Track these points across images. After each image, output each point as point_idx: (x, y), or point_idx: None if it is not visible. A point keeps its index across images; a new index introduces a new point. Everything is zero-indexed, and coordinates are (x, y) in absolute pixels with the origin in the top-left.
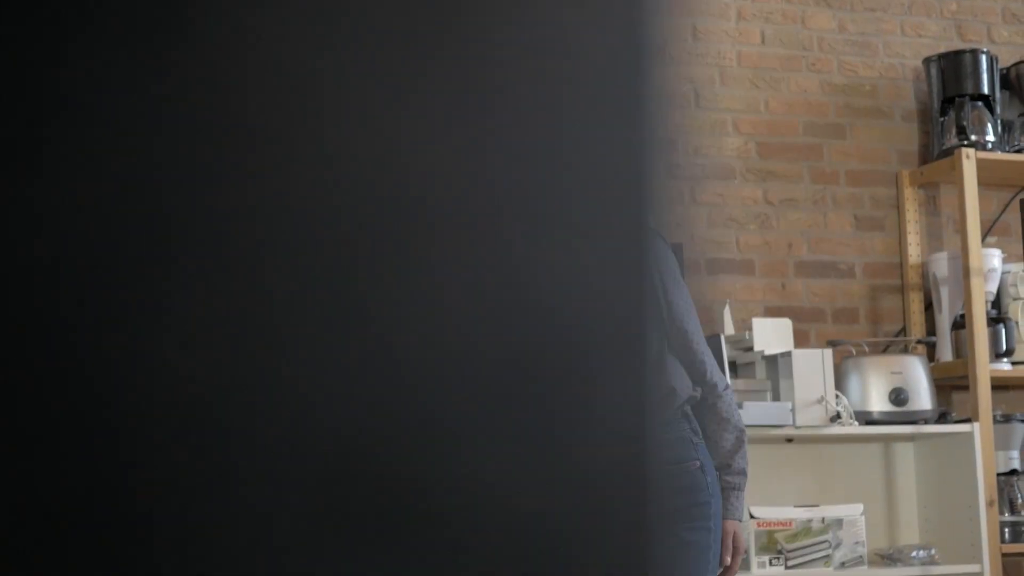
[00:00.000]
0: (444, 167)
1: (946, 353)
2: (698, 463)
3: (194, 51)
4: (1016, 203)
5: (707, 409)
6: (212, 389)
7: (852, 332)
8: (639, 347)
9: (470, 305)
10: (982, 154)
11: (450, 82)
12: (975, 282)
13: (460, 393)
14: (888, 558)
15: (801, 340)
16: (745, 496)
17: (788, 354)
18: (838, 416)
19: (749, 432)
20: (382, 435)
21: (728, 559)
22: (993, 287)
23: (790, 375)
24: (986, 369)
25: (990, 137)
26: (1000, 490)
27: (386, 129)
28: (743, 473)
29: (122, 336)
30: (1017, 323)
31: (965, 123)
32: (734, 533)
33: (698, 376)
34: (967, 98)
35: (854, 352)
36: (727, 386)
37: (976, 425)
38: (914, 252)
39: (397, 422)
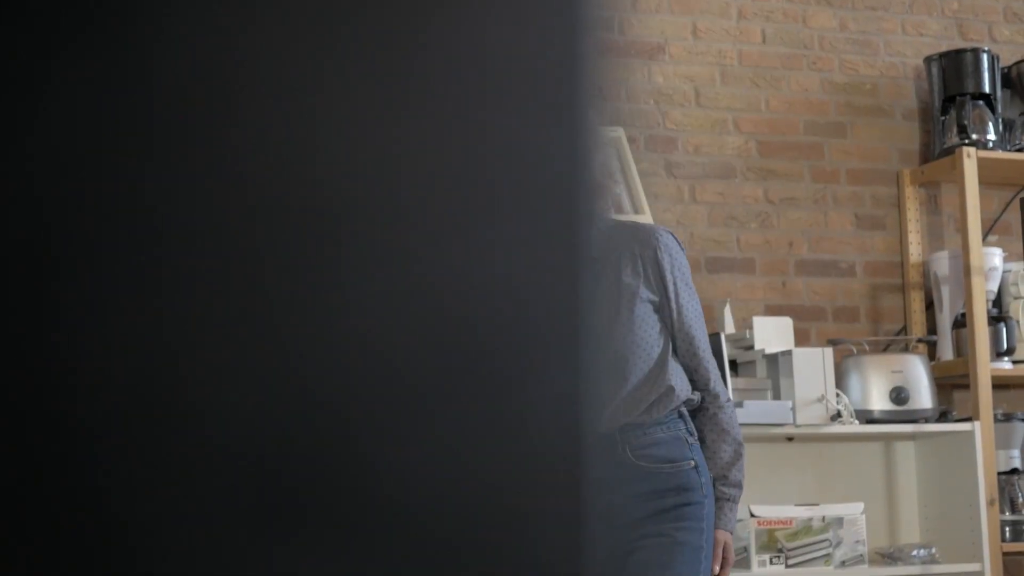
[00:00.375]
0: (373, 161)
1: (947, 352)
2: (693, 463)
3: (157, 47)
4: (1017, 202)
5: (708, 419)
6: (134, 387)
7: (853, 331)
8: (574, 338)
9: (400, 297)
10: (983, 153)
11: (383, 77)
12: (976, 281)
13: (392, 383)
14: (889, 557)
15: (802, 339)
16: (738, 509)
17: (788, 353)
18: (838, 415)
19: (749, 431)
20: (311, 427)
21: (717, 568)
22: (994, 286)
23: (790, 374)
24: (987, 368)
25: (991, 136)
26: (1001, 489)
27: (319, 127)
28: (739, 486)
29: (33, 335)
30: (1018, 322)
31: (966, 122)
32: (725, 544)
33: (701, 383)
34: (968, 97)
35: (855, 351)
36: (729, 398)
37: (977, 424)
38: (915, 251)
39: (327, 414)
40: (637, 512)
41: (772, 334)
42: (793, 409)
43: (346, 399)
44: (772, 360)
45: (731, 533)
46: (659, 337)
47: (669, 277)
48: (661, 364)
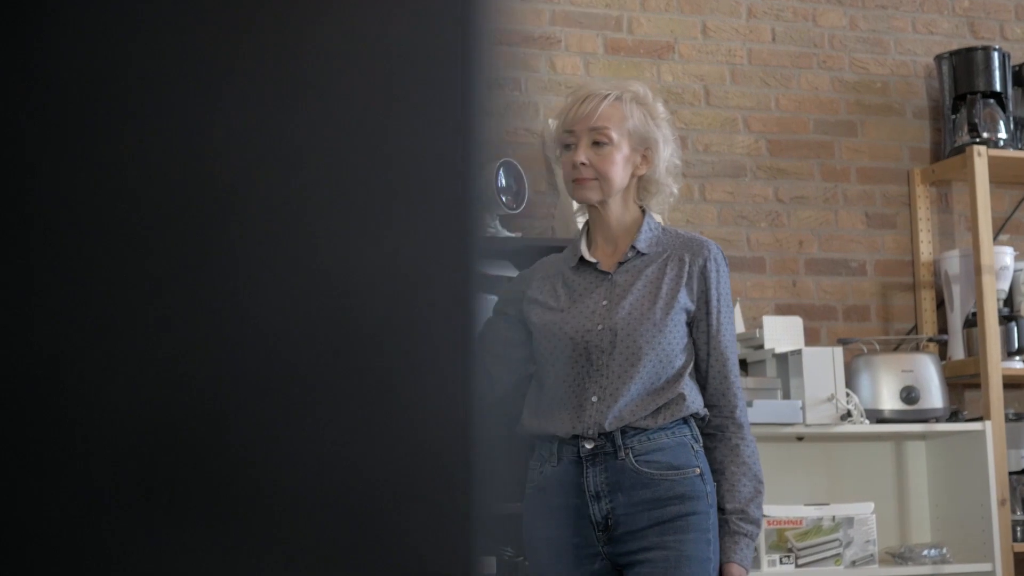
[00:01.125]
0: (261, 162)
1: (958, 351)
2: (698, 470)
3: (39, 43)
4: None
5: (729, 449)
6: (10, 379)
7: (863, 330)
8: (462, 333)
9: (282, 294)
10: (994, 152)
11: (270, 77)
12: (987, 280)
13: (273, 378)
14: (899, 557)
15: (812, 338)
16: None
17: (798, 352)
18: (848, 414)
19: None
20: (206, 415)
21: None
22: (1005, 285)
23: (800, 373)
24: (998, 367)
25: (1002, 135)
26: (1012, 489)
27: (204, 123)
28: (758, 523)
29: None
30: None
31: (977, 120)
32: None
33: (727, 409)
34: (979, 95)
35: (865, 350)
36: (749, 431)
37: (988, 424)
38: (926, 250)
39: (220, 403)
40: (638, 522)
41: (782, 333)
42: (803, 409)
43: (226, 392)
44: (782, 359)
45: (747, 571)
46: (683, 352)
47: (714, 292)
48: (678, 377)
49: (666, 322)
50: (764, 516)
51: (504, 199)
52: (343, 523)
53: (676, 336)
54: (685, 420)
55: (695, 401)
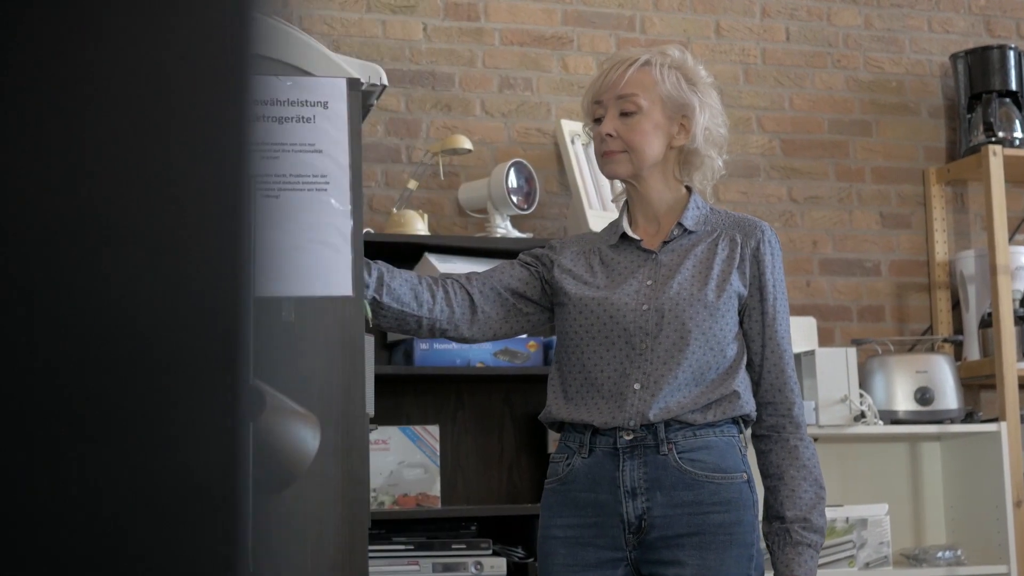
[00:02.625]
0: (30, 174)
1: (973, 352)
2: (745, 475)
3: None
4: None
5: (787, 452)
6: None
7: (878, 331)
8: (231, 354)
9: (31, 305)
10: (1009, 151)
11: (38, 88)
12: (1002, 280)
13: (25, 394)
14: (914, 558)
15: (826, 338)
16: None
17: (811, 353)
18: (862, 415)
19: None
20: None
21: None
22: (1021, 285)
23: (813, 374)
24: (1013, 368)
25: (1018, 134)
26: None
27: None
28: (821, 532)
29: None
30: None
31: (992, 120)
32: None
33: (783, 407)
34: (995, 94)
35: (879, 351)
36: (807, 431)
37: (1003, 425)
38: (941, 250)
39: None
40: (675, 526)
41: (795, 334)
42: (816, 410)
43: None
44: (795, 360)
45: None
46: (734, 340)
47: (769, 277)
48: (733, 370)
49: (718, 305)
50: None
51: (515, 200)
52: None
53: (728, 322)
54: (735, 420)
55: (748, 401)
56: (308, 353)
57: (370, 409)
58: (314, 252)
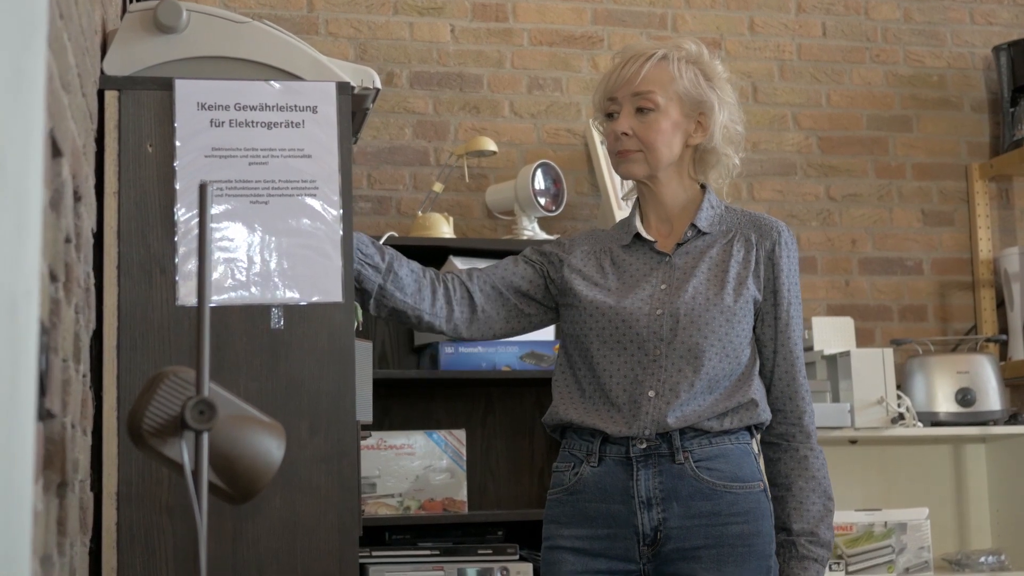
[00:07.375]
0: None
1: (1019, 351)
2: (761, 484)
3: None
4: None
5: (796, 461)
6: None
7: (920, 330)
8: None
9: None
10: None
11: None
12: None
13: None
14: (956, 564)
15: (866, 339)
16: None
17: (847, 354)
18: (900, 417)
19: None
20: None
21: None
22: None
23: (849, 375)
24: None
25: None
26: None
27: None
28: (828, 546)
29: None
30: None
31: None
32: None
33: (794, 416)
34: None
35: (920, 351)
36: (816, 440)
37: None
38: (985, 247)
39: None
40: (692, 538)
41: (832, 334)
42: (851, 411)
43: None
44: (831, 361)
45: None
46: (749, 346)
47: (784, 281)
48: (748, 377)
49: (735, 310)
50: None
51: (542, 201)
52: None
53: (744, 328)
54: (749, 428)
55: (765, 410)
56: (296, 360)
57: (367, 416)
58: (303, 258)
